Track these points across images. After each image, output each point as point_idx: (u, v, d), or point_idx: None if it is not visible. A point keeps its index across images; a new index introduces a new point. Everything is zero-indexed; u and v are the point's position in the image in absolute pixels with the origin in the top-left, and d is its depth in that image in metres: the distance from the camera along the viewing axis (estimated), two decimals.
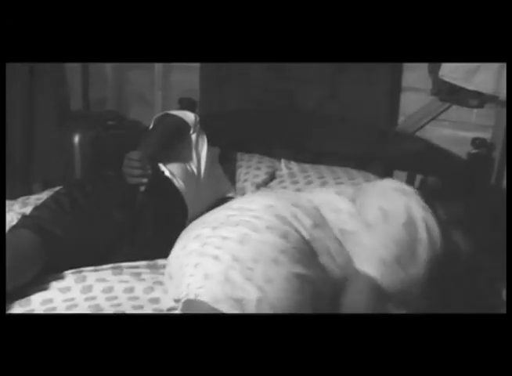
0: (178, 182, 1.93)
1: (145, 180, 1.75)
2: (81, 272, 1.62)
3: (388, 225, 1.41)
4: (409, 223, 1.41)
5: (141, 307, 1.50)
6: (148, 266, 1.70)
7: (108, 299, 1.52)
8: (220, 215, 1.49)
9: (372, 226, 1.43)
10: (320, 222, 1.46)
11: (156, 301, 1.52)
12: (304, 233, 1.42)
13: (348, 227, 1.46)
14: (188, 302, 1.34)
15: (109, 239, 1.73)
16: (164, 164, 1.94)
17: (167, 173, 1.92)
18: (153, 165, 1.79)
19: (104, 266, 1.65)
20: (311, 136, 2.43)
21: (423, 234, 1.40)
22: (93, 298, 1.52)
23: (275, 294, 1.30)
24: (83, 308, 1.48)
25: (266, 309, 1.27)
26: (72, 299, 1.51)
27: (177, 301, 1.42)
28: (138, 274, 1.63)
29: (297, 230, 1.42)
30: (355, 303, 1.37)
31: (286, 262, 1.34)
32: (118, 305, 1.49)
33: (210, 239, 1.40)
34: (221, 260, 1.34)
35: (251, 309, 1.27)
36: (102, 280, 1.59)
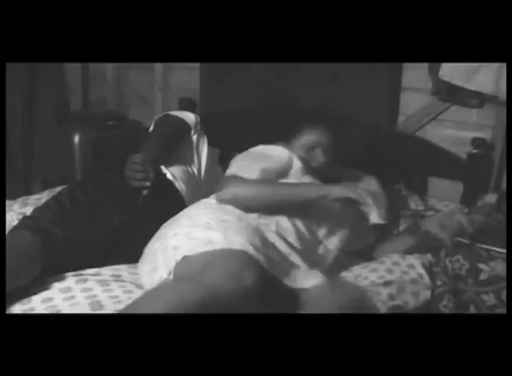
0: (180, 185, 1.93)
1: (147, 183, 1.75)
2: (81, 275, 1.63)
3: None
4: None
5: None
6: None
7: (109, 297, 1.52)
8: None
9: None
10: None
11: None
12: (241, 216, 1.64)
13: None
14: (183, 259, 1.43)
15: (109, 241, 1.73)
16: (166, 167, 1.94)
17: (169, 176, 1.92)
18: (155, 168, 1.80)
19: (104, 270, 1.66)
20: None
21: None
22: (94, 296, 1.52)
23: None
24: (83, 305, 1.49)
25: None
26: (72, 297, 1.52)
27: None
28: (137, 280, 1.64)
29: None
30: None
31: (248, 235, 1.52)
32: (119, 302, 1.50)
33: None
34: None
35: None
36: (103, 282, 1.60)
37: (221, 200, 1.67)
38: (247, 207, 1.64)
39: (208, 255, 1.40)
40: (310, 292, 1.49)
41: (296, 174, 1.80)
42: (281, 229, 1.64)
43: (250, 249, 1.43)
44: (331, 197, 1.60)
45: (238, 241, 1.44)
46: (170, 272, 1.44)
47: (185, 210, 1.72)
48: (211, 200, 1.72)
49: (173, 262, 1.44)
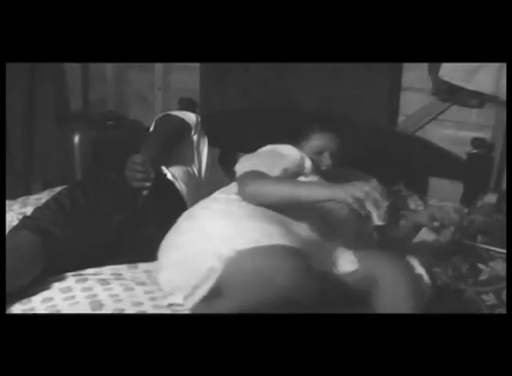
0: (180, 185, 1.92)
1: (147, 184, 1.75)
2: (81, 275, 1.63)
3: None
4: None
5: (140, 304, 1.51)
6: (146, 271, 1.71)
7: (109, 296, 1.53)
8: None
9: None
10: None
11: (154, 299, 1.54)
12: None
13: None
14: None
15: (109, 241, 1.73)
16: (167, 167, 1.94)
17: (169, 176, 1.92)
18: (155, 168, 1.80)
19: (104, 270, 1.67)
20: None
21: None
22: (94, 296, 1.52)
23: None
24: (84, 304, 1.49)
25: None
26: (73, 297, 1.52)
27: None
28: (138, 278, 1.65)
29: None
30: None
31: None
32: (119, 300, 1.51)
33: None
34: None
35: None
36: (103, 281, 1.60)
37: (246, 196, 1.63)
38: (265, 203, 1.62)
39: (264, 252, 1.41)
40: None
41: (306, 174, 1.81)
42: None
43: (297, 244, 1.47)
44: (337, 200, 1.59)
45: (287, 237, 1.49)
46: (222, 263, 1.41)
47: (207, 201, 1.70)
48: (233, 196, 1.68)
49: (224, 252, 1.42)
